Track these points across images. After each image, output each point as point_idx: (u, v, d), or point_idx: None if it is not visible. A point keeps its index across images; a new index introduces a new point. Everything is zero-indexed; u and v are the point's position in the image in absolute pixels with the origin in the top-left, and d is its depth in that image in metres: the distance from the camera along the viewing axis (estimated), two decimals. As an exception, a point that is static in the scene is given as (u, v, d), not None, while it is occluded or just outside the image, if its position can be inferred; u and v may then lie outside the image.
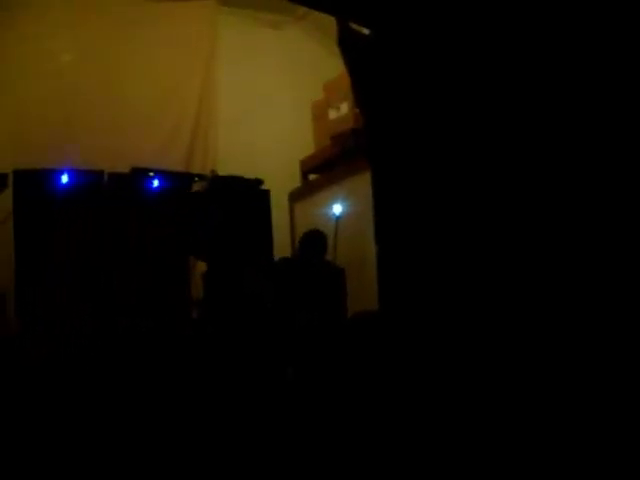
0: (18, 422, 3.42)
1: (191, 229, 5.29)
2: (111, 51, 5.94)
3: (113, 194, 5.24)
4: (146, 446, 3.22)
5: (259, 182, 5.74)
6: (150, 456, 3.13)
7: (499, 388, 2.11)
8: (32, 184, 5.01)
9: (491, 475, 2.05)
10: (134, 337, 4.66)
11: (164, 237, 5.32)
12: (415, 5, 2.36)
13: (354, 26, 2.63)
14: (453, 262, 2.31)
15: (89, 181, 5.17)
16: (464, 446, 2.13)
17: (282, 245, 5.88)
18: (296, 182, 6.58)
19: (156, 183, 5.40)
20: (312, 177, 6.56)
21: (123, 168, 5.34)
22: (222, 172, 5.71)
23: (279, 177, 6.11)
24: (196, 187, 5.60)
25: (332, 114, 6.02)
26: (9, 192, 4.93)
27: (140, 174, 5.40)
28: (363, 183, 4.20)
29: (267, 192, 5.82)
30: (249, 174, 5.71)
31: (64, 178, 5.04)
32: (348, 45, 2.61)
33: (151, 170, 5.45)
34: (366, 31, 2.63)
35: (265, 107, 6.69)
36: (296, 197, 6.54)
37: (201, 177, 5.69)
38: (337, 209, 5.15)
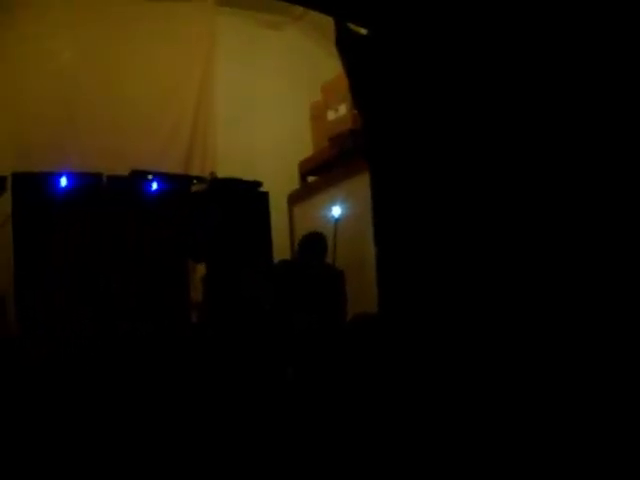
0: (18, 425, 3.42)
1: (190, 231, 5.28)
2: (110, 52, 5.94)
3: (112, 197, 5.23)
4: (146, 448, 3.21)
5: (258, 184, 5.74)
6: (150, 458, 3.12)
7: (498, 390, 2.11)
8: (31, 187, 5.00)
9: (491, 475, 2.05)
10: (133, 340, 4.65)
11: (163, 240, 5.32)
12: (413, 5, 2.36)
13: (352, 26, 2.63)
14: (452, 263, 2.31)
15: (88, 184, 5.16)
16: (463, 446, 2.12)
17: (281, 247, 5.87)
18: (295, 184, 6.57)
19: (155, 186, 5.39)
20: (311, 179, 6.56)
21: (122, 169, 5.34)
22: (221, 174, 5.71)
23: (278, 179, 6.10)
24: (195, 189, 5.59)
25: (330, 115, 6.01)
26: (8, 195, 4.92)
27: (139, 176, 5.39)
28: (362, 184, 4.20)
29: (266, 194, 5.81)
30: (248, 176, 5.71)
31: (63, 181, 5.03)
32: (346, 45, 2.61)
33: (150, 172, 5.45)
34: (364, 31, 2.63)
35: (263, 108, 6.68)
36: (295, 199, 6.53)
37: (200, 179, 5.68)
38: (336, 211, 5.14)
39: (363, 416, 2.97)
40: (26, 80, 5.60)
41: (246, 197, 5.67)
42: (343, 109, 5.83)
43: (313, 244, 4.90)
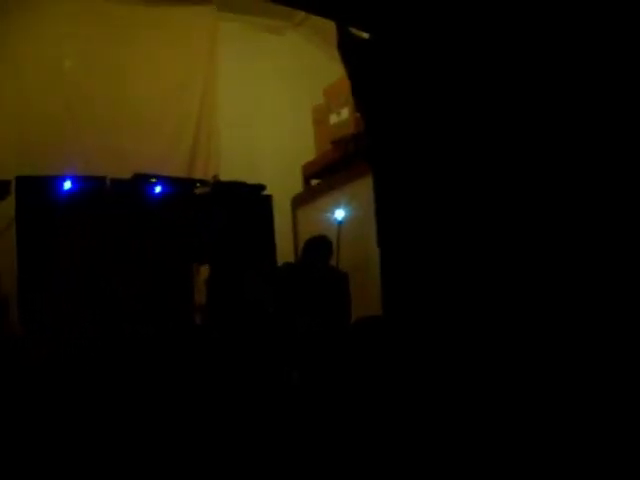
0: (22, 426, 3.42)
1: (193, 234, 5.29)
2: (113, 56, 5.96)
3: (115, 200, 5.24)
4: (149, 450, 3.21)
5: (261, 187, 5.74)
6: (154, 460, 3.12)
7: (502, 390, 2.11)
8: (34, 191, 5.01)
9: (494, 475, 2.05)
10: (137, 343, 4.65)
11: (167, 242, 5.32)
12: (414, 9, 2.36)
13: (354, 30, 2.63)
14: (456, 265, 2.31)
15: (91, 187, 5.17)
16: (468, 446, 2.12)
17: (285, 251, 5.88)
18: (298, 187, 6.58)
19: (158, 189, 5.40)
20: (314, 182, 6.56)
21: (125, 173, 5.35)
22: (224, 177, 5.72)
23: (281, 182, 6.12)
24: (198, 192, 5.60)
25: (333, 119, 6.02)
26: (11, 199, 4.93)
27: (142, 180, 5.40)
28: (365, 187, 4.20)
29: (269, 197, 5.81)
30: (251, 179, 5.72)
31: (66, 184, 5.04)
32: (348, 49, 2.61)
33: (153, 176, 5.46)
34: (366, 35, 2.64)
35: (266, 112, 6.70)
36: (298, 202, 6.54)
37: (203, 182, 5.69)
38: (339, 214, 5.14)
39: (368, 418, 2.97)
40: (29, 83, 5.63)
41: (249, 200, 5.67)
42: (345, 113, 5.84)
43: (317, 247, 4.91)
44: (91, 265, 5.01)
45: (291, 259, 5.76)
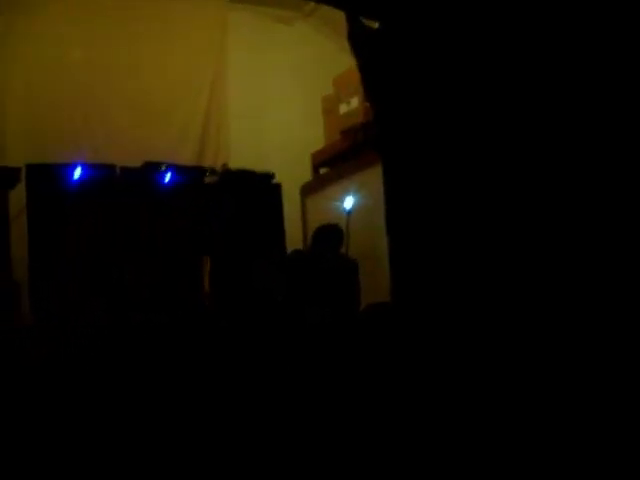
0: (32, 415, 3.45)
1: (203, 223, 5.30)
2: (123, 46, 5.97)
3: (125, 188, 5.26)
4: (159, 437, 3.24)
5: (271, 176, 5.75)
6: (162, 447, 3.15)
7: (510, 380, 2.11)
8: (45, 178, 5.04)
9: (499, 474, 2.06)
10: (147, 331, 4.68)
11: (176, 231, 5.34)
12: (425, -2, 2.36)
13: (364, 20, 2.63)
14: (465, 254, 2.31)
15: (101, 175, 5.19)
16: (475, 437, 2.13)
17: (294, 239, 5.89)
18: (307, 176, 6.58)
19: (168, 177, 5.42)
20: (323, 171, 6.56)
21: (135, 162, 5.36)
22: (233, 166, 5.72)
23: (290, 171, 6.11)
24: (208, 181, 5.61)
25: (342, 108, 6.02)
26: (22, 187, 4.96)
27: (152, 168, 5.42)
28: (374, 176, 4.21)
29: (279, 186, 5.82)
30: (260, 168, 5.72)
31: (77, 172, 5.06)
32: (358, 39, 2.61)
33: (163, 164, 5.47)
34: (376, 25, 2.63)
35: (276, 101, 6.70)
36: (307, 191, 6.54)
37: (213, 171, 5.70)
38: (348, 203, 5.14)
39: (376, 409, 2.98)
40: (39, 75, 5.66)
41: (259, 189, 5.68)
42: (355, 102, 5.83)
43: (328, 235, 4.90)
44: (101, 253, 5.04)
45: (300, 247, 5.77)
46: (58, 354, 4.22)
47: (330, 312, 4.50)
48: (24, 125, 5.59)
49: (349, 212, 5.09)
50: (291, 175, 6.11)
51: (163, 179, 5.41)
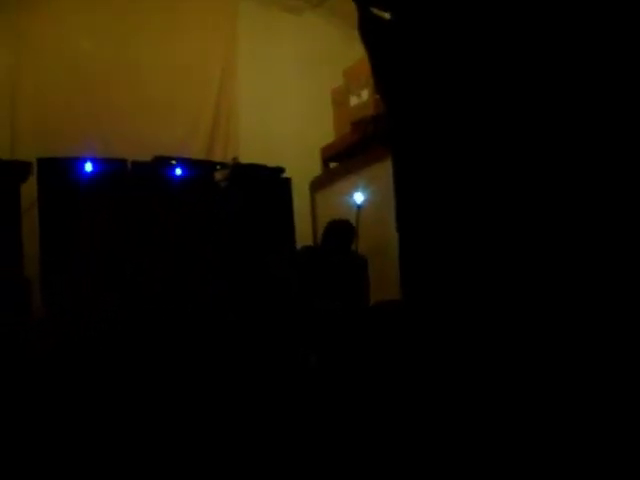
0: (43, 409, 3.47)
1: (213, 217, 5.31)
2: (132, 39, 5.97)
3: (136, 182, 5.27)
4: (171, 428, 3.26)
5: (280, 170, 5.74)
6: (175, 439, 3.16)
7: (519, 379, 2.10)
8: (56, 172, 5.06)
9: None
10: (159, 325, 4.70)
11: (188, 225, 5.35)
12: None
13: (375, 11, 2.60)
14: (475, 250, 2.29)
15: (113, 169, 5.21)
16: (483, 437, 2.12)
17: (303, 233, 5.88)
18: (317, 170, 6.56)
19: (179, 171, 5.43)
20: (333, 165, 6.54)
21: (145, 156, 5.37)
22: (243, 160, 5.72)
23: (300, 165, 6.10)
24: (218, 175, 5.61)
25: (353, 101, 5.98)
26: (33, 180, 4.98)
27: (163, 162, 5.43)
28: (384, 171, 4.18)
29: (288, 180, 5.81)
30: (270, 162, 5.71)
31: (88, 166, 5.08)
32: (368, 30, 2.58)
33: (173, 158, 5.48)
34: (387, 16, 2.60)
35: (284, 93, 6.67)
36: (317, 185, 6.52)
37: (223, 165, 5.70)
38: (359, 198, 5.12)
39: (385, 403, 2.98)
40: (48, 69, 5.67)
41: (269, 183, 5.68)
42: (365, 94, 5.79)
43: (338, 232, 4.89)
44: (113, 247, 5.06)
45: (310, 242, 5.77)
46: (70, 348, 4.24)
47: (339, 306, 4.50)
48: (34, 119, 5.61)
49: (359, 207, 5.07)
50: (300, 169, 6.09)
51: (174, 173, 5.42)
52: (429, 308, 2.46)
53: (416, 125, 2.50)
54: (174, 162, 5.44)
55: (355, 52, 4.09)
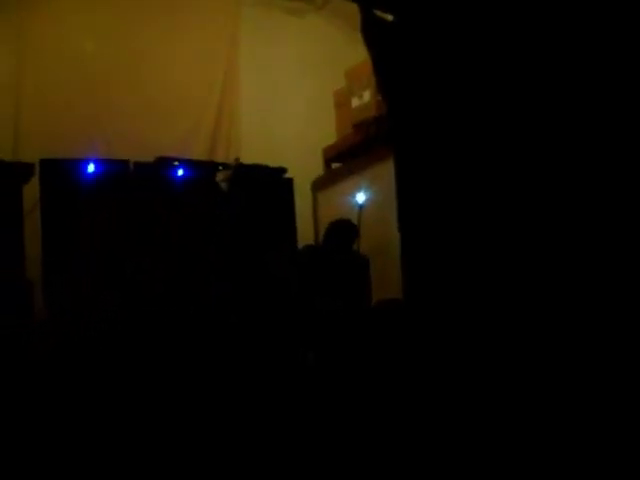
0: (46, 409, 3.48)
1: (215, 217, 5.31)
2: (134, 41, 5.97)
3: (139, 183, 5.28)
4: (171, 429, 3.26)
5: (283, 170, 5.74)
6: (176, 438, 3.17)
7: (523, 377, 2.10)
8: (58, 173, 5.06)
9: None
10: (161, 326, 4.70)
11: (190, 226, 5.35)
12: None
13: (377, 12, 2.61)
14: (477, 250, 2.30)
15: (115, 170, 5.22)
16: (484, 436, 2.13)
17: (305, 234, 5.89)
18: (319, 170, 6.57)
19: (181, 172, 5.43)
20: (335, 165, 6.55)
21: (147, 157, 5.38)
22: (245, 161, 5.73)
23: (302, 165, 6.10)
24: (220, 176, 5.61)
25: (355, 102, 5.98)
26: (35, 181, 4.99)
27: (165, 163, 5.44)
28: (386, 171, 4.19)
29: (290, 181, 5.82)
30: (271, 162, 5.72)
31: (90, 167, 5.09)
32: (371, 32, 2.59)
33: (176, 159, 5.49)
34: (389, 17, 2.61)
35: (287, 95, 6.67)
36: (319, 186, 6.53)
37: (225, 166, 5.70)
38: (360, 198, 5.13)
39: (383, 402, 2.98)
40: (49, 69, 5.67)
41: (271, 184, 5.68)
42: (367, 96, 5.80)
43: (340, 232, 4.89)
44: (115, 247, 5.06)
45: (311, 242, 5.77)
46: (73, 350, 4.25)
47: (340, 305, 4.50)
48: (36, 120, 5.61)
49: (361, 207, 5.07)
50: (302, 170, 6.09)
51: (176, 174, 5.42)
52: (430, 307, 2.46)
53: (418, 126, 2.51)
54: (176, 163, 5.44)
55: (357, 54, 4.10)
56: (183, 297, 5.13)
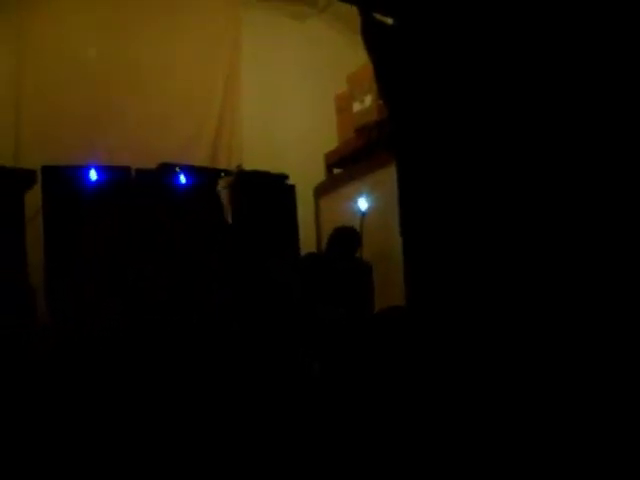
0: (47, 416, 3.47)
1: (217, 224, 5.31)
2: (135, 46, 5.97)
3: (141, 190, 5.28)
4: (174, 434, 3.25)
5: (284, 177, 5.74)
6: (178, 444, 3.16)
7: (529, 386, 2.08)
8: (60, 180, 5.07)
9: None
10: (163, 333, 4.69)
11: (192, 232, 5.35)
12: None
13: (378, 16, 2.60)
14: (481, 256, 2.28)
15: (117, 177, 5.22)
16: (487, 440, 2.11)
17: (308, 240, 5.87)
18: (320, 176, 6.56)
19: (183, 178, 5.43)
20: (337, 171, 6.53)
21: (149, 164, 5.38)
22: (247, 167, 5.72)
23: (303, 171, 6.09)
24: (222, 182, 5.61)
25: (356, 107, 5.98)
26: (37, 188, 4.99)
27: (167, 170, 5.43)
28: (388, 176, 4.17)
29: (292, 187, 5.81)
30: (273, 168, 5.71)
31: (92, 174, 5.09)
32: (371, 36, 2.58)
33: (178, 165, 5.48)
34: (390, 21, 2.60)
35: (288, 100, 6.67)
36: (321, 192, 6.52)
37: (227, 172, 5.70)
38: (362, 204, 5.11)
39: (388, 409, 2.96)
40: (51, 70, 5.67)
41: (273, 190, 5.68)
42: (369, 100, 5.79)
43: (344, 239, 4.88)
44: (117, 254, 5.06)
45: (314, 248, 5.76)
46: (75, 356, 4.24)
47: (343, 313, 4.49)
48: (37, 126, 5.62)
49: (363, 214, 5.06)
50: (304, 175, 6.08)
51: (178, 180, 5.42)
52: (434, 314, 2.45)
53: (419, 130, 2.49)
54: (178, 169, 5.44)
55: (358, 58, 4.10)
56: (185, 304, 5.12)
